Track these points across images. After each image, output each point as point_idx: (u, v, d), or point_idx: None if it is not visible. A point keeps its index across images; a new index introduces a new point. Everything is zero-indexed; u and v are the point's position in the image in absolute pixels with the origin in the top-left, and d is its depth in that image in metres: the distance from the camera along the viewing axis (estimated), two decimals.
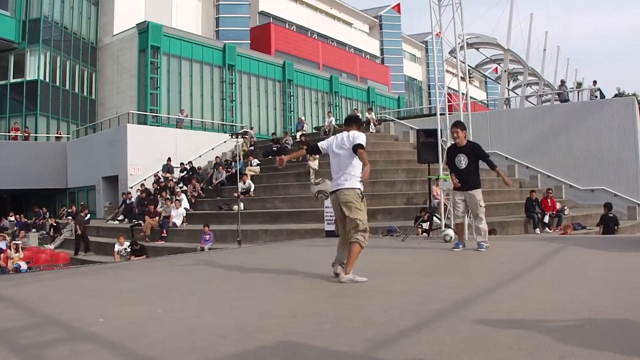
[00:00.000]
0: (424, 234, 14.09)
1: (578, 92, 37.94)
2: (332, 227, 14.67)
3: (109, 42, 37.57)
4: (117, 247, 17.78)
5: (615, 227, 16.79)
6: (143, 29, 33.77)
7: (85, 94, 37.48)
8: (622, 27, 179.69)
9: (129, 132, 27.57)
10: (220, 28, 46.27)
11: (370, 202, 18.62)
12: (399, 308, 5.36)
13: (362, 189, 7.11)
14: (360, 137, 7.00)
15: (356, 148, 6.88)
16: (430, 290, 6.26)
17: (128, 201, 24.78)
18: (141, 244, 17.87)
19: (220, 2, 46.60)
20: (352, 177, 7.01)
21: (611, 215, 17.09)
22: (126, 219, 23.87)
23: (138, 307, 5.81)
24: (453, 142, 10.22)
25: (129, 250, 17.54)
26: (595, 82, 29.27)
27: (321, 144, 7.46)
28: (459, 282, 6.86)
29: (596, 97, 27.64)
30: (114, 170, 28.35)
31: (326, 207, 14.93)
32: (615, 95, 34.07)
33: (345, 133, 7.18)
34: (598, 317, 4.68)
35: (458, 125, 10.03)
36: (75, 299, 6.57)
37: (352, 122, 7.42)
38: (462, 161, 9.80)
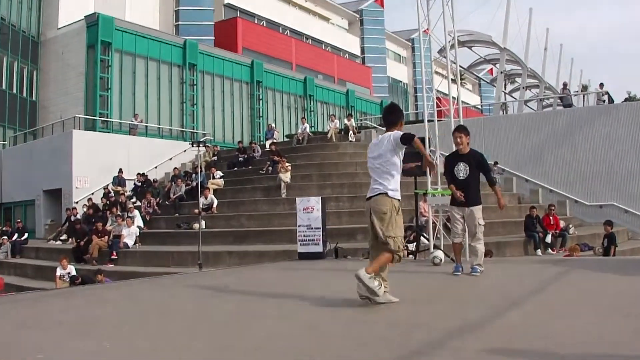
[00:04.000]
0: (410, 255, 14.06)
1: (583, 96, 38.42)
2: (305, 249, 14.66)
3: (52, 36, 37.20)
4: (59, 272, 17.48)
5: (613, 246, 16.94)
6: (92, 21, 33.50)
7: (24, 94, 37.05)
8: (632, 23, 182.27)
9: (75, 139, 27.30)
10: (180, 22, 46.20)
11: (349, 220, 18.82)
12: (382, 339, 5.33)
13: (400, 200, 7.06)
14: (398, 133, 6.94)
15: (405, 138, 6.83)
16: (418, 319, 6.23)
17: (73, 218, 24.52)
18: (82, 276, 17.10)
19: None
20: (391, 187, 6.98)
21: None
22: (70, 239, 23.61)
23: (82, 341, 5.71)
24: (455, 149, 10.10)
25: (72, 274, 17.31)
26: (602, 85, 29.68)
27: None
28: (450, 310, 6.85)
29: (604, 101, 27.98)
30: (56, 182, 28.05)
31: (299, 225, 14.90)
32: (625, 100, 34.59)
33: (386, 135, 7.13)
34: (610, 351, 4.66)
35: (462, 129, 9.93)
36: (8, 331, 6.42)
37: (390, 122, 7.37)
38: (462, 171, 9.72)
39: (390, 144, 6.91)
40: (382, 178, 6.97)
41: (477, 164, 9.76)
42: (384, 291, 6.95)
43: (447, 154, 10.59)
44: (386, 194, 6.91)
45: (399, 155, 7.02)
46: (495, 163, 23.40)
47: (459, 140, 9.82)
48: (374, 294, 6.73)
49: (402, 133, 6.89)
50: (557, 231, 18.35)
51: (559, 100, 34.00)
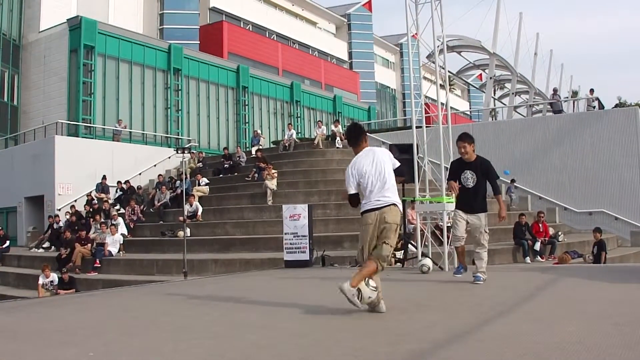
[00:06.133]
0: (398, 264, 14.08)
1: (573, 102, 38.66)
2: (292, 257, 14.68)
3: (34, 39, 36.99)
4: (41, 280, 17.44)
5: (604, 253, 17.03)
6: (75, 25, 33.33)
7: (5, 99, 36.73)
8: (622, 29, 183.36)
9: (57, 145, 27.21)
10: (165, 26, 46.10)
11: (336, 228, 18.85)
12: (370, 349, 5.34)
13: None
14: (393, 157, 7.27)
15: (399, 171, 7.26)
16: (406, 329, 6.25)
17: (55, 225, 24.41)
18: (71, 276, 17.61)
19: None
20: (396, 195, 7.16)
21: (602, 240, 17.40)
22: (53, 247, 23.51)
23: (65, 351, 5.69)
24: (459, 157, 10.07)
25: (55, 283, 17.27)
26: (592, 91, 29.77)
27: (351, 186, 7.26)
28: (438, 318, 6.87)
29: (594, 107, 28.09)
30: (38, 189, 27.95)
31: (285, 233, 14.92)
32: (616, 106, 34.74)
33: (373, 150, 7.27)
34: (598, 359, 4.71)
35: (465, 138, 9.84)
36: None
37: (362, 136, 7.49)
38: (470, 179, 9.71)
39: (390, 160, 7.17)
40: (389, 189, 7.05)
41: (484, 171, 9.77)
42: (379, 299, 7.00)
43: (452, 160, 10.52)
44: (396, 205, 7.03)
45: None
46: (512, 181, 23.43)
47: (462, 150, 9.77)
48: (355, 305, 6.75)
49: (398, 163, 7.28)
50: (546, 238, 18.41)
51: (549, 106, 34.09)
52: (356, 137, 7.44)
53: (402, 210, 7.22)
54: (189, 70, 39.37)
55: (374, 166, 7.10)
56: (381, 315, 6.94)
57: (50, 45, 35.31)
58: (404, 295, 9.22)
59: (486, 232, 9.78)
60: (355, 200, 7.28)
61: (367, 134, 7.60)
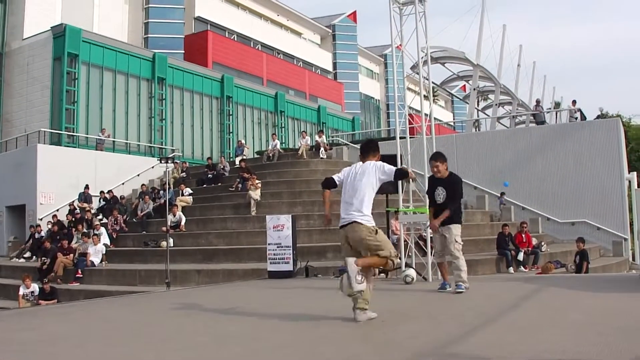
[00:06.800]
0: (382, 274, 14.08)
1: (556, 113, 38.82)
2: (276, 268, 14.65)
3: (17, 47, 36.73)
4: (22, 291, 17.28)
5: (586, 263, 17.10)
6: (59, 32, 33.18)
7: None
8: (604, 40, 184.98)
9: (40, 153, 26.99)
10: (149, 35, 45.91)
11: (319, 239, 18.81)
12: (355, 358, 5.33)
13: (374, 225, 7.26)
14: (385, 168, 7.23)
15: (401, 173, 7.36)
16: (392, 339, 6.25)
17: (37, 235, 24.24)
18: (52, 286, 17.47)
19: (150, 5, 46.17)
20: (365, 213, 7.15)
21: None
22: (34, 257, 23.33)
23: None
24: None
25: (36, 293, 17.13)
26: (574, 102, 30.01)
27: (337, 176, 7.61)
28: (423, 328, 6.88)
29: (576, 118, 28.29)
30: (20, 198, 27.73)
31: (269, 243, 14.90)
32: (598, 117, 34.94)
33: (369, 163, 7.39)
34: None
35: (438, 158, 10.15)
36: None
37: (371, 150, 7.65)
38: (441, 195, 10.03)
39: (379, 174, 7.20)
40: (357, 205, 7.14)
41: (453, 187, 10.02)
42: (365, 309, 7.07)
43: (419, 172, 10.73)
44: (358, 222, 7.08)
45: (377, 186, 7.29)
46: (502, 194, 23.43)
47: (435, 169, 10.09)
48: (349, 288, 6.87)
49: (395, 168, 7.28)
50: (530, 249, 18.44)
51: (531, 117, 34.31)
52: (364, 151, 7.70)
53: (369, 224, 7.10)
54: (173, 80, 39.22)
55: (356, 175, 7.31)
56: (366, 326, 6.93)
57: (33, 53, 35.07)
58: (388, 306, 9.21)
59: (457, 242, 10.05)
60: (327, 183, 7.64)
61: (377, 150, 7.70)
